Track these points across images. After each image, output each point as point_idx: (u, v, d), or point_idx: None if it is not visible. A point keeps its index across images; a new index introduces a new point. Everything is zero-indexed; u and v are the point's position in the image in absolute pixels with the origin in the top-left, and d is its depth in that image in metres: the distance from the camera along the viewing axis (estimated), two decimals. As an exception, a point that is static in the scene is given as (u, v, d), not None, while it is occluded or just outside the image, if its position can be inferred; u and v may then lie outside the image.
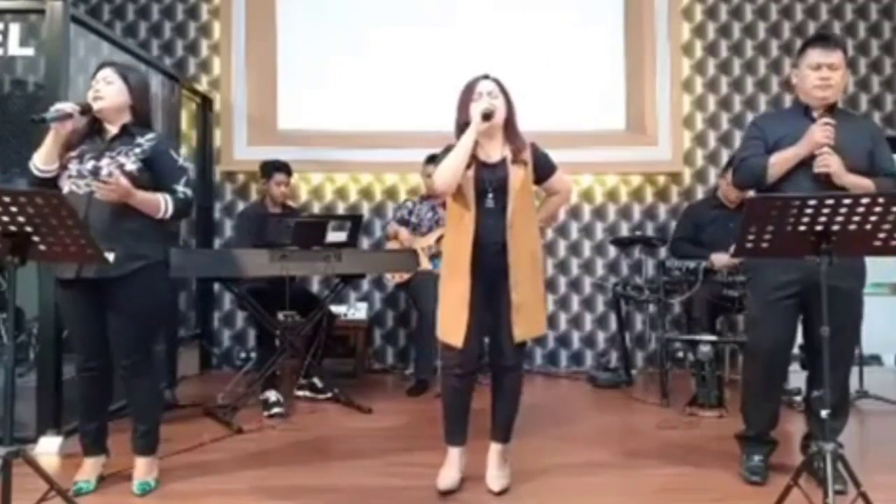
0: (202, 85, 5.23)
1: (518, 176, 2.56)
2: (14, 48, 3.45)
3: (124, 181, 2.41)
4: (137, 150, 2.52)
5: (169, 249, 2.71)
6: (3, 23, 3.40)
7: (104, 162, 2.48)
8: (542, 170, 2.67)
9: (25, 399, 3.00)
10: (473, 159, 2.55)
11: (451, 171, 2.49)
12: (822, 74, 2.57)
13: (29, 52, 3.50)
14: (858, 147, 2.57)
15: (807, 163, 2.52)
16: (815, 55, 2.60)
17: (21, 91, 4.42)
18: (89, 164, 2.48)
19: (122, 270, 2.46)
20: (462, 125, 2.57)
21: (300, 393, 4.05)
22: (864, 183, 2.49)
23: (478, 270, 2.54)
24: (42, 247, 2.07)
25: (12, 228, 2.00)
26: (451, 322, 2.55)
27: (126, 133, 2.56)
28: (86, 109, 2.50)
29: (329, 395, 4.00)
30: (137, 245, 2.50)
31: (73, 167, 2.49)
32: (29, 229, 2.01)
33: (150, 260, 2.54)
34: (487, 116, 2.49)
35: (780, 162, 2.56)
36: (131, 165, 2.47)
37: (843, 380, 2.61)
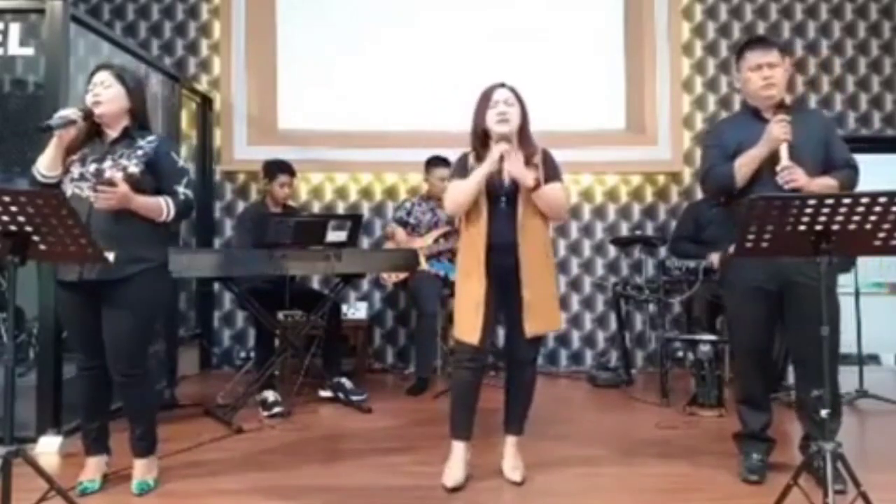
0: (202, 85, 5.23)
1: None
2: (14, 48, 3.44)
3: (123, 187, 2.40)
4: (139, 153, 2.52)
5: (168, 251, 2.70)
6: (3, 23, 3.40)
7: (106, 164, 2.48)
8: (547, 176, 2.69)
9: (25, 398, 3.00)
10: None
11: (462, 198, 2.63)
12: (763, 74, 2.63)
13: (29, 51, 3.50)
14: (814, 140, 2.62)
15: (771, 165, 2.55)
16: (753, 57, 2.66)
17: (21, 91, 4.42)
18: (91, 167, 2.48)
19: (124, 273, 2.45)
20: (478, 132, 2.68)
21: (325, 394, 4.03)
22: (829, 183, 2.54)
23: (491, 270, 2.62)
24: (42, 247, 2.07)
25: (12, 228, 2.00)
26: (468, 321, 2.64)
27: (127, 136, 2.56)
28: (88, 115, 2.50)
29: (363, 396, 3.98)
30: (139, 248, 2.49)
31: (76, 170, 2.48)
32: (29, 229, 2.01)
33: (151, 263, 2.54)
34: (503, 159, 2.58)
35: (745, 163, 2.59)
36: (134, 168, 2.47)
37: (833, 378, 2.62)
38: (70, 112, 2.47)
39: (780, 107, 2.62)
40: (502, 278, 2.62)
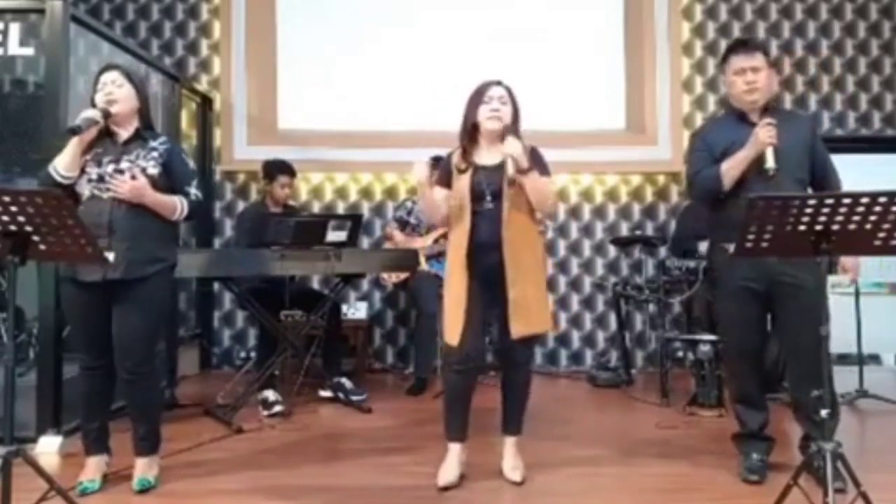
0: (202, 85, 5.23)
1: None
2: (14, 48, 3.44)
3: (142, 179, 2.45)
4: (155, 154, 2.56)
5: (176, 251, 2.75)
6: (3, 22, 3.40)
7: (124, 166, 2.50)
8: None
9: (25, 398, 3.00)
10: (470, 164, 2.65)
11: (435, 216, 2.77)
12: (747, 79, 2.65)
13: (29, 51, 3.50)
14: (800, 145, 2.64)
15: (758, 168, 2.55)
16: (737, 61, 2.68)
17: (21, 91, 4.43)
18: (109, 168, 2.49)
19: (145, 272, 2.49)
20: (468, 126, 2.67)
21: (324, 394, 4.04)
22: None
23: (475, 270, 2.59)
24: (42, 246, 2.07)
25: (12, 228, 2.00)
26: (450, 321, 2.62)
27: (139, 136, 2.59)
28: (107, 114, 2.52)
29: (363, 396, 3.97)
30: (157, 248, 2.54)
31: (94, 172, 2.49)
32: (29, 229, 2.01)
33: (167, 262, 2.59)
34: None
35: (732, 166, 2.60)
36: (153, 170, 2.52)
37: (829, 378, 2.63)
38: (92, 113, 2.49)
39: (766, 110, 2.63)
40: (488, 277, 2.60)
